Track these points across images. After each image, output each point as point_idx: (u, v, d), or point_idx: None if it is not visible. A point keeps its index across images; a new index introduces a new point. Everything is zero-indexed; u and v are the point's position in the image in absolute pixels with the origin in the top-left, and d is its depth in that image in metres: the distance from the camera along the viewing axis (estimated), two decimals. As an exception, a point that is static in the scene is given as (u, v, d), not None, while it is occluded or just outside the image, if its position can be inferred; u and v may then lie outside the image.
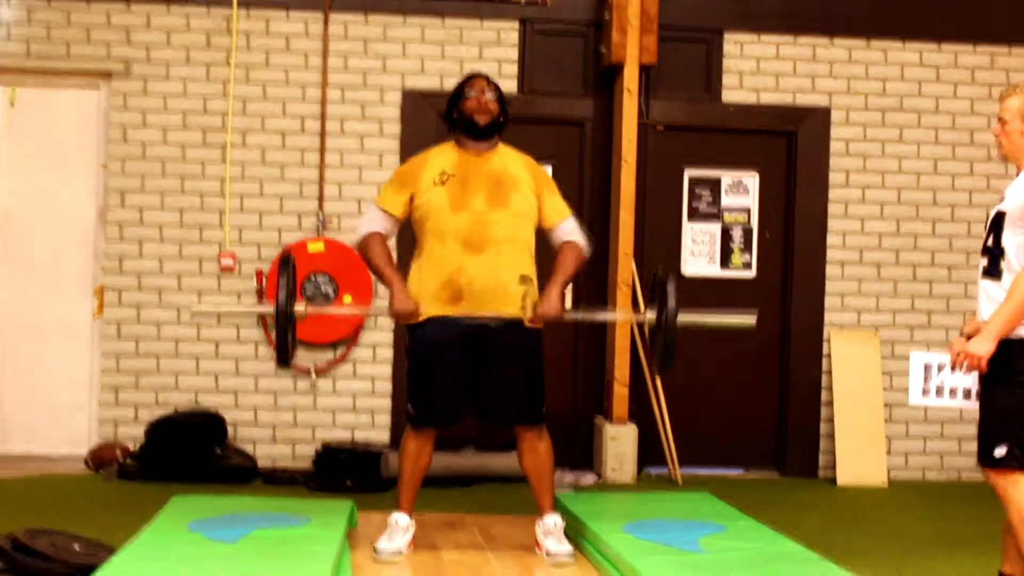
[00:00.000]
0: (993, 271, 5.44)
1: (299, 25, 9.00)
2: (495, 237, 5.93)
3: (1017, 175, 5.49)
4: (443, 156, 6.08)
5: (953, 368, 5.43)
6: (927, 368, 5.81)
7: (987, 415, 5.42)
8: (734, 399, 9.39)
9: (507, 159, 6.09)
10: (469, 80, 6.15)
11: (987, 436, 5.39)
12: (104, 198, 8.96)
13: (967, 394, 5.75)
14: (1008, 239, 5.40)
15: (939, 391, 5.75)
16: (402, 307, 5.93)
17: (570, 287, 9.03)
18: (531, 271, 6.02)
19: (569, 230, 6.12)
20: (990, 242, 5.49)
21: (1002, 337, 5.26)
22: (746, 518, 6.58)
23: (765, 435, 9.40)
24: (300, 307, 5.90)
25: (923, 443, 9.34)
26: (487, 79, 6.14)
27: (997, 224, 5.46)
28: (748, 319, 6.39)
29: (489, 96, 6.05)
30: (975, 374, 5.50)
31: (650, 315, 6.21)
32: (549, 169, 9.09)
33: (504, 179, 5.99)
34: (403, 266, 6.18)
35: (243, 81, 8.96)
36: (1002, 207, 5.45)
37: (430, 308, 5.94)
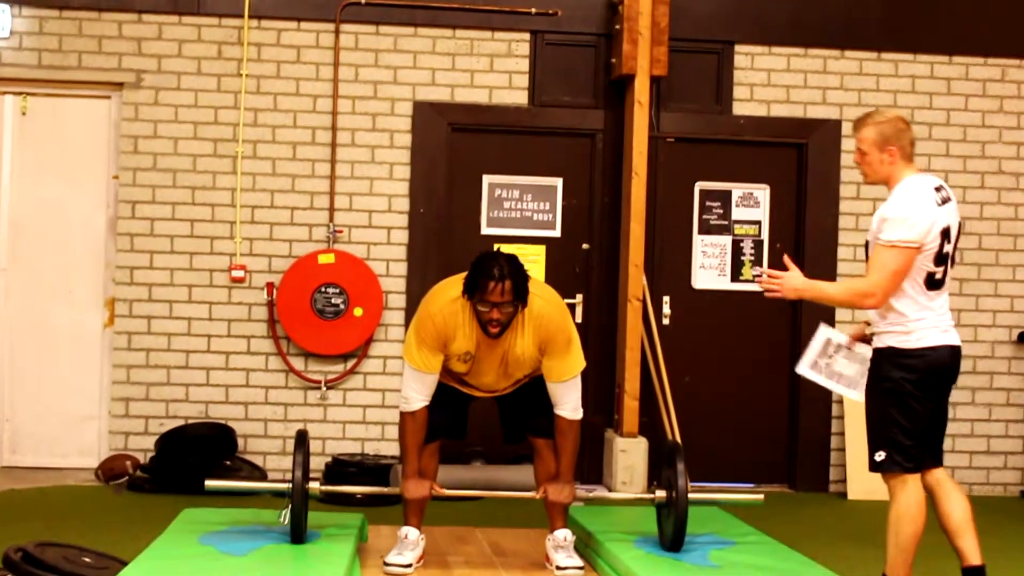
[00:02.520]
0: None
1: (310, 36, 9.01)
2: (501, 384, 6.15)
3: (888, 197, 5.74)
4: (468, 331, 5.89)
5: (762, 288, 5.78)
6: (827, 343, 6.01)
7: (869, 421, 5.70)
8: (744, 413, 9.37)
9: (522, 341, 5.93)
10: (487, 281, 5.71)
11: (870, 442, 5.68)
12: (115, 209, 8.96)
13: (849, 382, 5.99)
14: None
15: (827, 369, 5.96)
16: (415, 494, 6.04)
17: (581, 304, 9.06)
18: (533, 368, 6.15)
19: (563, 398, 6.05)
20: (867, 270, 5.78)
21: (807, 297, 5.78)
22: (756, 532, 6.56)
23: (776, 449, 9.38)
24: (315, 484, 6.06)
25: (934, 457, 9.30)
26: (503, 283, 5.71)
27: (867, 251, 5.76)
28: (757, 497, 6.68)
29: (504, 309, 5.77)
30: (866, 368, 5.78)
31: (660, 493, 6.20)
32: (559, 183, 9.13)
33: (510, 361, 5.99)
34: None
35: (254, 92, 8.97)
36: (868, 236, 5.77)
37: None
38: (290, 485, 5.92)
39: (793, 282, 5.69)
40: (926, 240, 5.53)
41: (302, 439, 6.04)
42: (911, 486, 5.59)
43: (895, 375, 5.55)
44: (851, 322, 9.28)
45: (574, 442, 6.10)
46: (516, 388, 6.14)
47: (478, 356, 5.95)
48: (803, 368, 6.06)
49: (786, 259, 5.93)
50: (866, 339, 5.96)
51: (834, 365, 5.98)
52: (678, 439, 8.85)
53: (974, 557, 5.64)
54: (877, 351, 5.67)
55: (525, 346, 5.91)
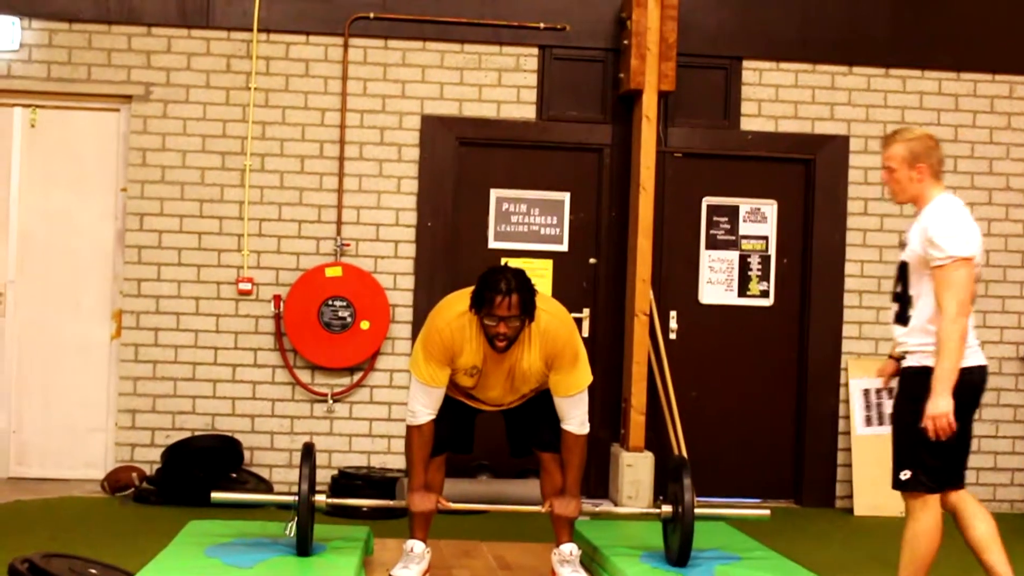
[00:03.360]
0: (902, 317, 5.67)
1: (319, 50, 9.03)
2: (507, 399, 6.14)
3: (916, 216, 5.66)
4: (475, 345, 5.89)
5: (933, 437, 5.44)
6: (867, 393, 5.95)
7: (896, 440, 5.64)
8: (751, 428, 9.36)
9: (529, 356, 5.93)
10: (494, 295, 5.72)
11: (895, 460, 5.62)
12: (123, 221, 8.98)
13: None
14: (915, 287, 5.60)
15: (880, 418, 5.91)
16: (421, 507, 6.04)
17: (587, 318, 9.06)
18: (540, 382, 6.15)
19: (570, 413, 6.05)
20: (899, 289, 5.70)
21: (952, 389, 5.37)
22: (762, 548, 6.56)
23: (782, 465, 9.37)
24: (321, 497, 6.05)
25: (941, 473, 9.29)
26: (510, 297, 5.71)
27: (903, 272, 5.66)
28: (763, 512, 6.60)
29: (511, 324, 5.77)
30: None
31: (666, 508, 6.21)
32: (567, 197, 9.13)
33: (517, 376, 5.98)
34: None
35: (263, 105, 8.99)
36: (904, 257, 5.65)
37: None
38: (296, 498, 5.92)
39: (938, 407, 5.38)
40: (977, 256, 5.49)
41: (308, 452, 6.05)
42: (931, 506, 5.57)
43: (927, 395, 5.42)
44: (858, 337, 9.29)
45: (580, 456, 6.10)
46: (523, 403, 6.13)
47: (485, 370, 5.94)
48: (861, 429, 6.02)
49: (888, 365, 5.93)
50: (895, 372, 5.89)
51: (884, 408, 5.92)
52: (684, 454, 8.85)
53: (1005, 572, 5.58)
54: (910, 370, 5.58)
55: (532, 361, 5.90)
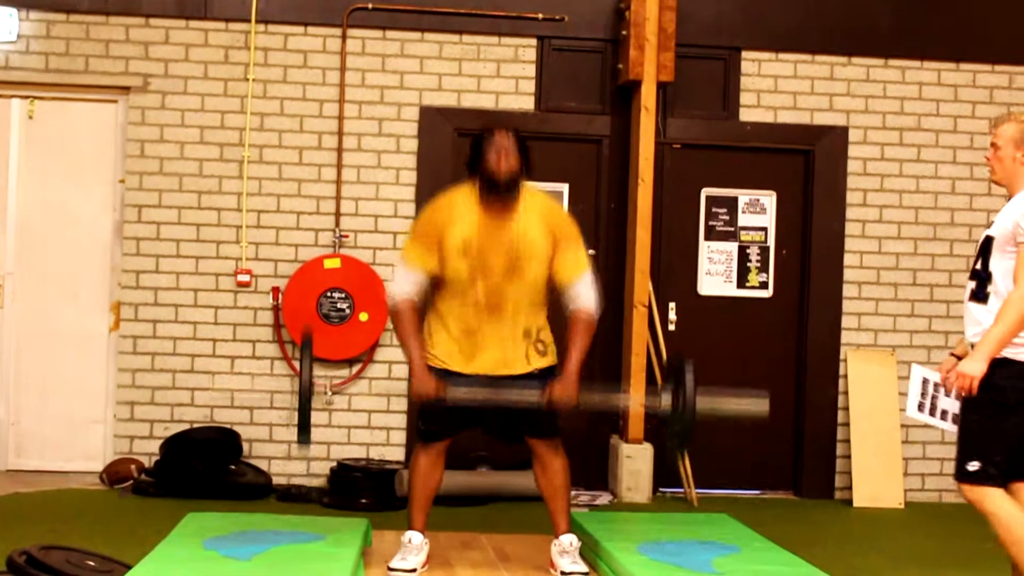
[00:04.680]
0: (980, 294, 5.56)
1: (317, 41, 9.01)
2: (510, 303, 5.95)
3: (1009, 200, 5.58)
4: (467, 217, 5.92)
5: (947, 391, 5.51)
6: (925, 383, 5.91)
7: (964, 430, 5.55)
8: (749, 421, 9.33)
9: (527, 220, 5.94)
10: (491, 137, 5.93)
11: (963, 451, 5.52)
12: (121, 213, 8.97)
13: (955, 419, 5.83)
14: (995, 263, 5.50)
15: (932, 409, 5.85)
16: (424, 389, 5.91)
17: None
18: (542, 322, 6.08)
19: (581, 293, 6.00)
20: (978, 266, 5.60)
21: (992, 358, 5.34)
22: (761, 539, 6.55)
23: (781, 456, 9.37)
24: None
25: (940, 465, 9.29)
26: (508, 135, 5.94)
27: (986, 248, 5.56)
28: (762, 406, 6.41)
29: (510, 156, 5.87)
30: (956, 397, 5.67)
31: (666, 400, 6.19)
32: (565, 189, 9.12)
33: (522, 248, 5.91)
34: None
35: (261, 97, 8.97)
36: (991, 232, 5.56)
37: (447, 362, 6.00)
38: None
39: (972, 368, 5.36)
40: None
41: (308, 340, 6.06)
42: (999, 496, 5.44)
43: (1003, 385, 5.37)
44: (857, 329, 9.29)
45: (588, 338, 5.98)
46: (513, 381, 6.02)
47: (481, 245, 5.87)
48: (912, 411, 5.96)
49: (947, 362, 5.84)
50: None
51: (938, 403, 5.89)
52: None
53: None
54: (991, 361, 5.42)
55: (534, 233, 5.91)
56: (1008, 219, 5.47)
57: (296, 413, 8.88)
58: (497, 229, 5.90)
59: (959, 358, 5.71)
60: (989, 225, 5.66)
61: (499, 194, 5.88)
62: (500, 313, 5.95)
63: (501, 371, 5.98)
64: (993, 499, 5.43)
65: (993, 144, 5.66)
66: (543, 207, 6.02)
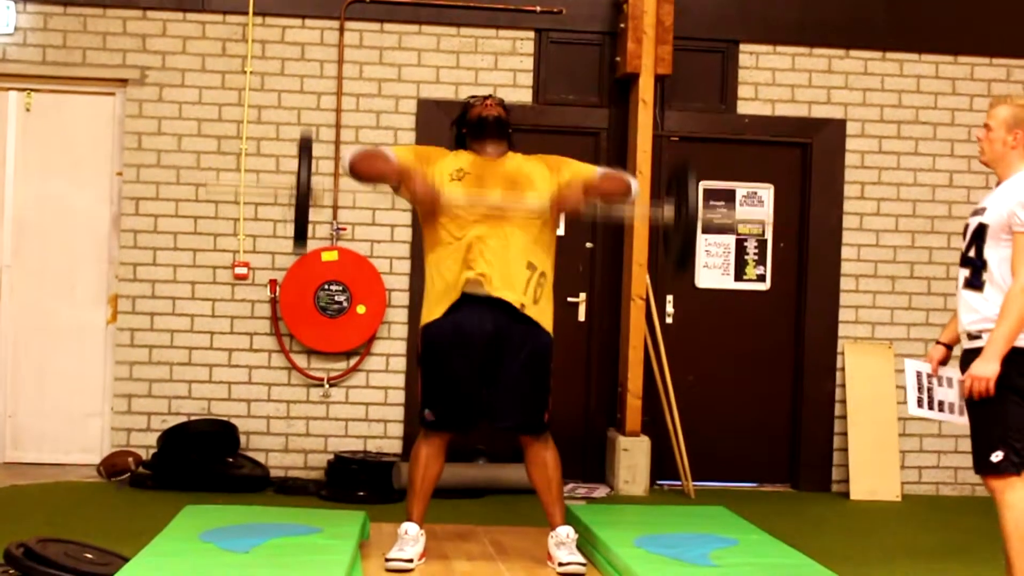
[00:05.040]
0: (976, 283, 5.54)
1: (315, 34, 9.01)
2: (508, 229, 5.92)
3: (997, 185, 5.58)
4: (460, 157, 6.09)
5: (963, 395, 5.44)
6: (919, 376, 5.87)
7: (983, 422, 5.48)
8: (747, 412, 9.36)
9: (520, 161, 6.12)
10: (473, 96, 6.27)
11: (983, 442, 5.46)
12: (118, 205, 8.96)
13: (952, 408, 5.83)
14: (991, 251, 5.49)
15: (931, 403, 5.82)
16: (424, 190, 5.89)
17: (583, 302, 9.05)
18: (544, 266, 6.01)
19: (606, 170, 6.26)
20: (971, 253, 5.58)
21: (1003, 355, 5.33)
22: (758, 532, 6.55)
23: (778, 449, 9.37)
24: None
25: (937, 457, 9.31)
26: (492, 97, 6.21)
27: (979, 235, 5.54)
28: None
29: (496, 107, 6.11)
30: (958, 388, 5.65)
31: (668, 212, 6.20)
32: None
33: (519, 178, 5.98)
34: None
35: (258, 89, 8.97)
36: (984, 219, 5.53)
37: (444, 302, 5.95)
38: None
39: (984, 370, 5.34)
40: None
41: (307, 145, 6.04)
42: (1020, 487, 5.40)
43: (1012, 372, 5.35)
44: (854, 321, 9.29)
45: (613, 181, 6.22)
46: (511, 371, 6.03)
47: (477, 174, 5.96)
48: (913, 409, 5.90)
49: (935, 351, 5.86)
50: (944, 360, 5.84)
51: (936, 395, 5.85)
52: (681, 439, 8.84)
53: None
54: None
55: (531, 166, 6.06)
56: (1003, 206, 5.45)
57: (293, 404, 8.93)
58: (492, 166, 6.01)
59: (947, 346, 5.78)
60: (978, 211, 5.61)
61: (489, 136, 6.01)
62: (498, 240, 5.92)
63: (501, 288, 5.91)
64: (1014, 489, 5.37)
65: (986, 125, 5.65)
66: (535, 156, 6.19)
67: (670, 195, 6.29)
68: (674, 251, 6.17)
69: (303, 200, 5.91)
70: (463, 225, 5.93)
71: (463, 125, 6.16)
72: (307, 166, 5.94)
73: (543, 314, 6.01)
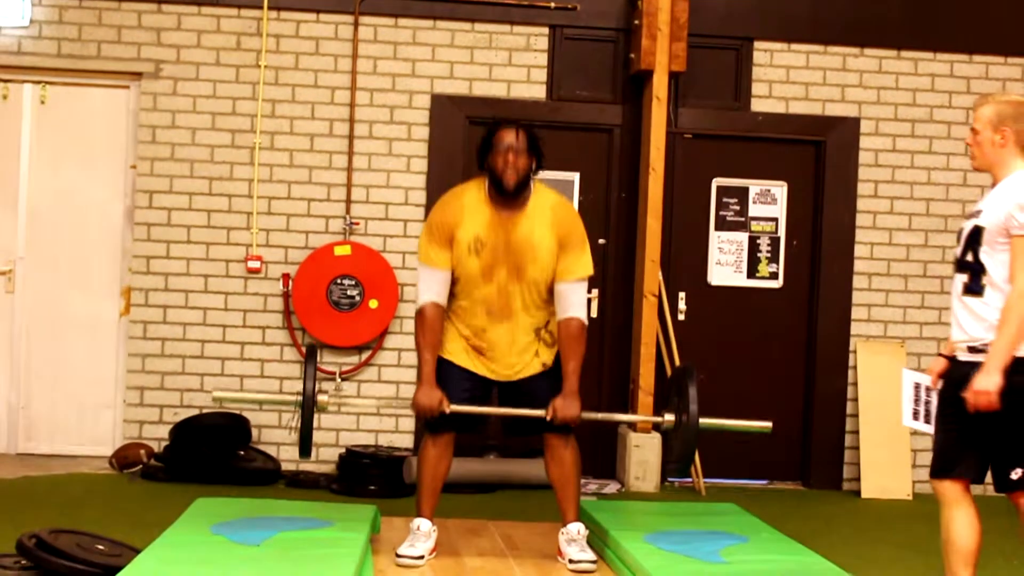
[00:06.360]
0: (975, 288, 5.29)
1: (329, 28, 9.02)
2: (518, 302, 5.97)
3: (992, 187, 5.37)
4: (477, 215, 5.94)
5: (969, 410, 5.20)
6: (917, 388, 5.67)
7: (998, 440, 5.24)
8: (759, 410, 9.28)
9: (535, 220, 5.94)
10: (499, 131, 5.95)
11: (1001, 461, 5.25)
12: (132, 198, 8.98)
13: None
14: (988, 255, 5.25)
15: (927, 416, 5.61)
16: (426, 402, 5.93)
17: (596, 298, 9.05)
18: (549, 316, 6.04)
19: (572, 299, 5.98)
20: (968, 257, 5.32)
21: (1005, 367, 5.12)
22: (769, 530, 6.55)
23: (790, 446, 9.36)
24: (324, 397, 6.07)
25: (948, 456, 9.28)
26: (517, 130, 5.93)
27: (975, 239, 5.30)
28: (766, 424, 6.47)
29: (520, 157, 5.88)
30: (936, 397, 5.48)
31: (669, 417, 6.21)
32: (576, 178, 9.12)
33: (526, 250, 5.91)
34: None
35: (273, 83, 8.98)
36: (979, 222, 5.29)
37: (456, 358, 6.05)
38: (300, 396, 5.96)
39: (987, 383, 5.11)
40: None
41: (312, 353, 6.06)
42: None
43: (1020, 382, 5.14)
44: (867, 320, 9.28)
45: (582, 348, 5.98)
46: (521, 383, 6.06)
47: (490, 244, 5.89)
48: (908, 421, 5.73)
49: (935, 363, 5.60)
50: (945, 372, 5.50)
51: (931, 407, 5.64)
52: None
53: None
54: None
55: (542, 233, 5.91)
56: (1000, 210, 5.22)
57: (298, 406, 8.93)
58: (506, 227, 5.92)
59: (948, 359, 5.46)
60: (972, 214, 5.39)
61: (507, 197, 5.90)
62: (509, 313, 5.98)
63: (512, 377, 6.05)
64: None
65: (972, 129, 5.42)
66: (553, 207, 5.99)
67: (671, 400, 6.27)
68: (675, 456, 6.14)
69: (308, 411, 5.90)
70: (477, 316, 6.01)
71: (484, 159, 5.95)
72: (312, 376, 5.93)
73: (554, 345, 6.08)
